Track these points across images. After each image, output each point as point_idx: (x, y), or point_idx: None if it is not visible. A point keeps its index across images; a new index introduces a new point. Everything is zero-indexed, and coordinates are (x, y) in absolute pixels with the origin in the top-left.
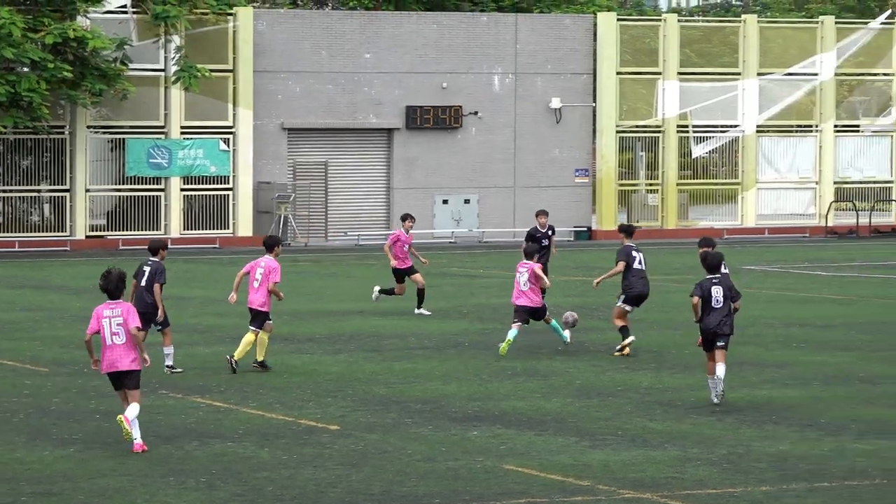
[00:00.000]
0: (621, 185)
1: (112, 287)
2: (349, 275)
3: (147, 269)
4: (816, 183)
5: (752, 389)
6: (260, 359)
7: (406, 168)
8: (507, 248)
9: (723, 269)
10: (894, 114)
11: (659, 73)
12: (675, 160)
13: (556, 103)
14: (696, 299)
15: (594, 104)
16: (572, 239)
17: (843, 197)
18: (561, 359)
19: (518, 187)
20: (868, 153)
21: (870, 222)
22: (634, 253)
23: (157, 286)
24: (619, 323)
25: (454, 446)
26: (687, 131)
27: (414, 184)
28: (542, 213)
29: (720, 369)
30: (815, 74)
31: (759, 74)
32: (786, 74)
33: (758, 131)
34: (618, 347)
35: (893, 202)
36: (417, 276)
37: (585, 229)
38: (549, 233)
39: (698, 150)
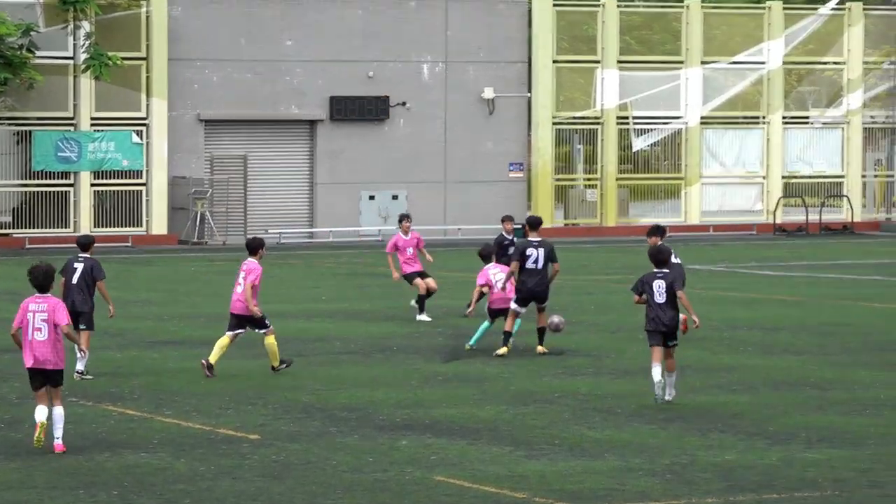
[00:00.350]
0: (558, 179)
1: (40, 281)
2: (270, 275)
3: (79, 266)
4: (764, 178)
5: (697, 395)
6: (275, 364)
7: (330, 162)
8: (437, 246)
9: (674, 260)
10: (846, 105)
11: (598, 62)
12: (615, 153)
13: (488, 93)
14: (636, 297)
15: (529, 94)
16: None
17: (792, 192)
18: (495, 364)
19: (449, 182)
20: (818, 146)
21: (820, 219)
22: (531, 250)
23: (101, 283)
24: (506, 326)
25: (382, 456)
26: (627, 123)
27: (338, 179)
28: (507, 218)
29: (663, 370)
30: (763, 63)
31: (703, 63)
32: (731, 63)
33: (702, 123)
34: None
35: (845, 198)
36: (429, 281)
37: (520, 227)
38: (515, 239)
39: (639, 143)
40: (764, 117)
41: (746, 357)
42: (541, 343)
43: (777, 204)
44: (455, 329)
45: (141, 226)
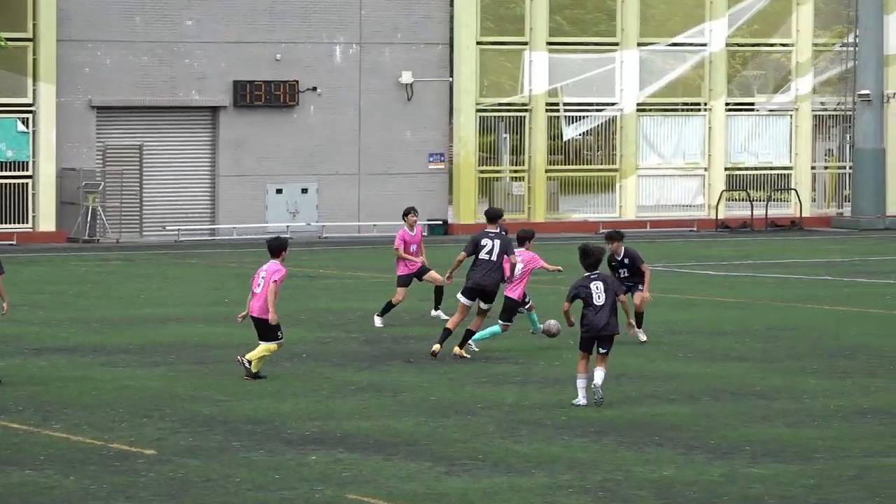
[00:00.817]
0: (482, 171)
1: None
2: (168, 276)
3: None
4: (705, 169)
5: (633, 406)
6: (255, 369)
7: (234, 152)
8: (350, 244)
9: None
10: (794, 90)
11: (525, 44)
12: (544, 143)
13: (407, 78)
14: (566, 305)
15: (451, 79)
16: (426, 234)
17: (736, 185)
18: (413, 372)
19: (363, 175)
20: (764, 135)
21: (766, 214)
22: (486, 241)
23: None
24: (449, 322)
25: (290, 473)
26: (557, 110)
27: (243, 171)
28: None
29: (599, 375)
30: (704, 45)
31: (639, 45)
32: (670, 45)
33: (638, 110)
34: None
35: (793, 191)
36: (433, 274)
37: (441, 222)
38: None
39: (570, 132)
40: (705, 104)
41: (686, 364)
42: (461, 346)
43: (719, 198)
44: (371, 334)
45: (27, 222)
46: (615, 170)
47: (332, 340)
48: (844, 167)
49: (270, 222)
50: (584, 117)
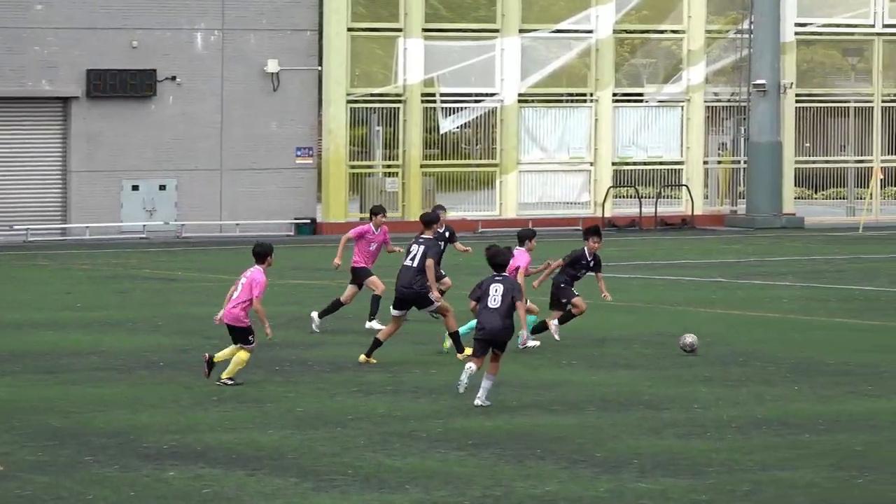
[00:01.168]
0: (353, 167)
1: None
2: (15, 278)
3: None
4: (591, 164)
5: (513, 416)
6: (218, 358)
7: (87, 146)
8: (211, 244)
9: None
10: (686, 80)
11: (399, 30)
12: (419, 136)
13: (272, 66)
14: (472, 304)
15: (319, 68)
16: (292, 233)
17: (624, 181)
18: (279, 381)
19: (226, 170)
20: (654, 128)
21: (655, 212)
22: (414, 247)
23: None
24: (381, 333)
25: (146, 490)
26: (434, 101)
27: (96, 166)
28: (439, 207)
29: (488, 381)
30: (590, 32)
31: (521, 32)
32: (554, 32)
33: (520, 101)
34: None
35: (684, 188)
36: (375, 280)
37: (308, 221)
38: (446, 234)
39: (447, 125)
40: (591, 95)
41: (570, 372)
42: (368, 354)
43: (606, 195)
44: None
45: None
46: (495, 165)
47: (192, 348)
48: (739, 162)
49: (126, 221)
50: (462, 109)
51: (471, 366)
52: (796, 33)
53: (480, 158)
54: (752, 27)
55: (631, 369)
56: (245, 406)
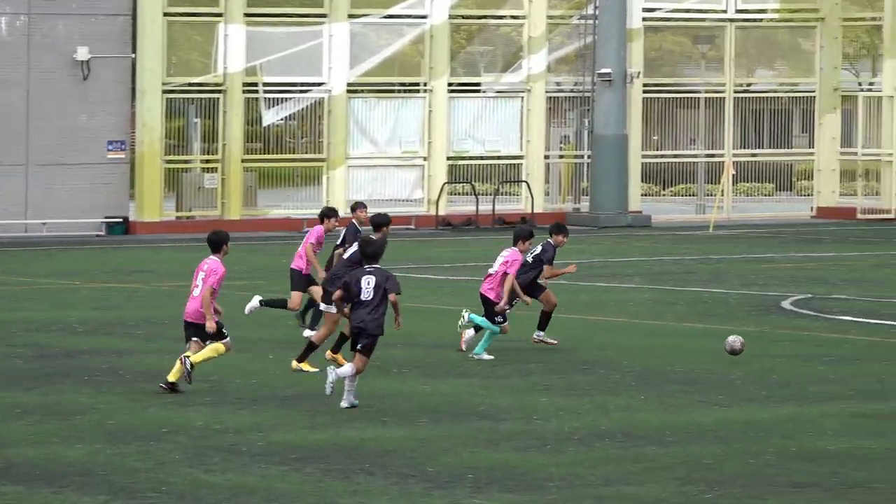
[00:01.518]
0: (169, 161)
1: None
2: None
3: None
4: (425, 159)
5: (340, 429)
6: (193, 359)
7: None
8: (16, 245)
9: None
10: (526, 69)
11: (220, 16)
12: (241, 129)
13: (83, 54)
14: (337, 293)
15: (133, 55)
16: (103, 233)
17: (460, 177)
18: (88, 391)
19: (32, 165)
20: (491, 120)
21: (493, 210)
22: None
23: None
24: (314, 336)
25: None
26: (257, 91)
27: None
28: (360, 205)
29: (346, 369)
30: (424, 17)
31: (350, 17)
32: (385, 17)
33: (349, 91)
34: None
35: (524, 184)
36: (317, 289)
37: (120, 220)
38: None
39: (271, 117)
40: (425, 84)
41: (401, 381)
42: (300, 360)
43: (441, 191)
44: (40, 349)
45: None
46: (322, 160)
47: None
48: (582, 156)
49: None
50: (286, 100)
51: (334, 369)
52: (644, 19)
53: (306, 152)
54: (597, 12)
55: (466, 378)
56: (51, 418)
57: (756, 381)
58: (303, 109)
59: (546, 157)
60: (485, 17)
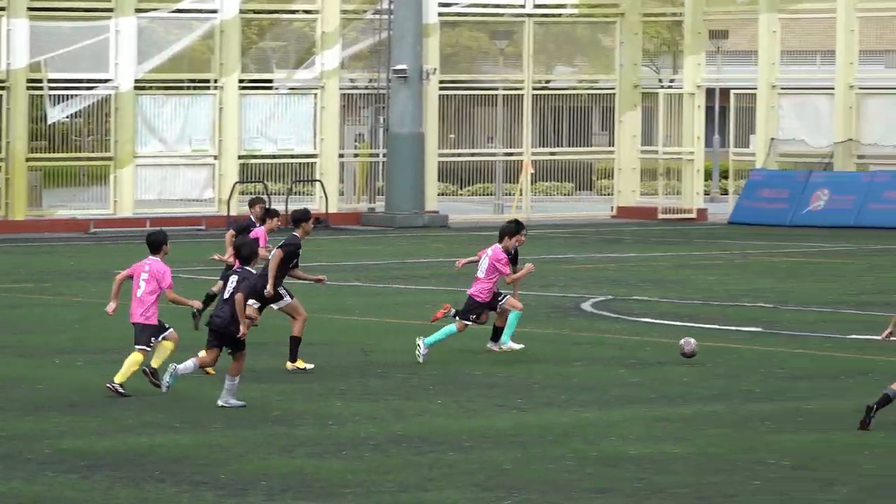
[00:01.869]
0: None
1: None
2: None
3: None
4: (215, 158)
5: (129, 436)
6: (155, 365)
7: None
8: None
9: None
10: (319, 65)
11: (2, 10)
12: (25, 127)
13: None
14: (217, 285)
15: None
16: None
17: (252, 176)
18: None
19: None
20: (284, 118)
21: (286, 209)
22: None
23: None
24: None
25: None
26: (41, 88)
27: None
28: (259, 201)
29: (229, 381)
30: (214, 12)
31: (138, 11)
32: (174, 11)
33: (136, 88)
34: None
35: (318, 183)
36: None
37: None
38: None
39: (56, 114)
40: (216, 81)
41: (196, 385)
42: (293, 360)
43: (232, 191)
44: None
45: None
46: (109, 158)
47: None
48: (378, 155)
49: None
50: (72, 96)
51: (175, 366)
52: (440, 14)
53: (93, 151)
54: (392, 7)
55: (259, 382)
56: None
57: (556, 384)
58: (89, 107)
59: (340, 155)
60: (277, 11)
